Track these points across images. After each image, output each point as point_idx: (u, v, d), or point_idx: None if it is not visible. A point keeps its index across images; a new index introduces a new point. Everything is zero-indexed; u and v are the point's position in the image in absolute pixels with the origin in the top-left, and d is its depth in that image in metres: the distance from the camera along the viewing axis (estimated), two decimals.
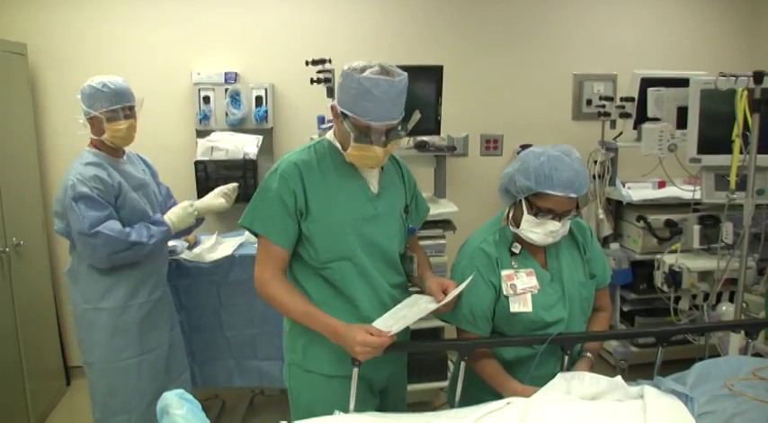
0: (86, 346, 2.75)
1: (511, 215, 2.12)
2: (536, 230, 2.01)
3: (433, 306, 1.96)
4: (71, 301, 2.77)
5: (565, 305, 2.09)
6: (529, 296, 2.06)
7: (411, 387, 3.38)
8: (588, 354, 2.14)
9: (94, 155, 2.69)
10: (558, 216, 1.99)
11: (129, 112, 2.71)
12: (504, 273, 2.08)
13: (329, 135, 2.07)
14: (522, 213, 2.02)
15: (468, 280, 1.99)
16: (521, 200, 2.03)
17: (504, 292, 2.06)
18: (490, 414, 1.75)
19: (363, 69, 1.85)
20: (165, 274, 2.93)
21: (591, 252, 2.19)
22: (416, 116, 1.99)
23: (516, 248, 2.10)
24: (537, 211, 1.99)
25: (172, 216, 2.82)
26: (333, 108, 1.96)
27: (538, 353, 2.01)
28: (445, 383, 3.37)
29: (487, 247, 2.11)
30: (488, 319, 2.11)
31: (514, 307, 2.05)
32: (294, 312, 1.98)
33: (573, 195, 1.96)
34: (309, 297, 2.01)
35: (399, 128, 1.94)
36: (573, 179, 1.94)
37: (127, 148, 2.83)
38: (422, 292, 2.13)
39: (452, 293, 1.96)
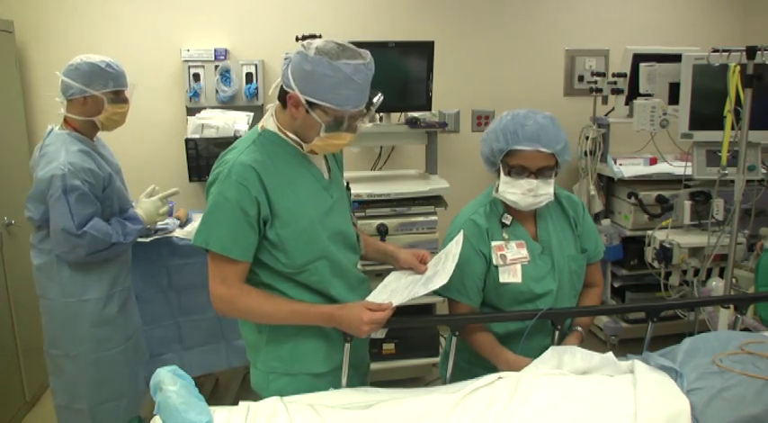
0: (68, 340, 2.66)
1: (497, 185, 2.12)
2: (513, 191, 2.02)
3: (438, 282, 1.87)
4: (45, 297, 2.66)
5: (554, 277, 2.10)
6: (519, 267, 2.07)
7: (403, 363, 3.47)
8: (579, 328, 2.16)
9: (79, 140, 2.58)
10: (533, 173, 1.99)
11: (126, 96, 2.68)
12: (494, 243, 2.09)
13: (269, 124, 1.88)
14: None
15: (459, 241, 1.98)
16: (500, 166, 2.05)
17: (495, 263, 2.08)
18: (482, 388, 1.76)
19: (337, 54, 1.67)
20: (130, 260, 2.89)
21: (583, 227, 2.20)
22: (379, 98, 1.86)
23: (507, 220, 2.12)
24: (510, 170, 2.01)
25: (141, 212, 2.79)
26: (292, 98, 1.75)
27: (528, 327, 2.02)
28: (437, 359, 3.39)
29: (478, 218, 2.13)
30: (479, 290, 2.12)
31: (504, 277, 2.07)
32: (278, 316, 1.84)
33: (543, 149, 1.97)
34: None
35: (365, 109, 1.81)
36: (538, 132, 1.96)
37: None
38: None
39: (451, 262, 1.92)
